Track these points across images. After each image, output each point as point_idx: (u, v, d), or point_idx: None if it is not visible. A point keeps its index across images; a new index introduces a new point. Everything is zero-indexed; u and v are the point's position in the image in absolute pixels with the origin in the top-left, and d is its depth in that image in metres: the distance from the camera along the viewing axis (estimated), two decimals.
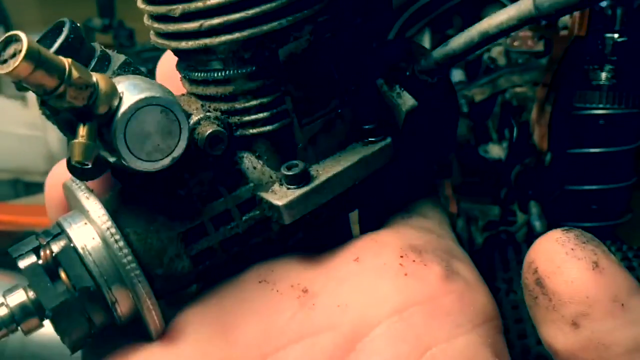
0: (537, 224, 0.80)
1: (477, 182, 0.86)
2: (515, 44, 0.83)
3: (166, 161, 0.31)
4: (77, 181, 0.34)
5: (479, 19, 0.34)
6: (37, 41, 0.32)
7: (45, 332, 0.35)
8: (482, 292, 0.35)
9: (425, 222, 0.39)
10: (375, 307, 0.33)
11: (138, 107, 0.29)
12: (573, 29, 0.73)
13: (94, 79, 0.28)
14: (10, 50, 0.26)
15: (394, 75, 0.38)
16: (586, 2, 0.30)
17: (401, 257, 0.34)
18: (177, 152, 0.31)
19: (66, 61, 0.27)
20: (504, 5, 0.33)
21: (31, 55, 0.25)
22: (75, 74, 0.27)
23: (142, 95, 0.29)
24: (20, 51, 0.25)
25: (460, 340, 0.32)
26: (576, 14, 0.77)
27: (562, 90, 0.76)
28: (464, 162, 0.85)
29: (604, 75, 0.75)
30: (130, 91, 0.30)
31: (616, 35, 0.74)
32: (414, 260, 0.34)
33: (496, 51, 0.85)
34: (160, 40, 0.34)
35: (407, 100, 0.37)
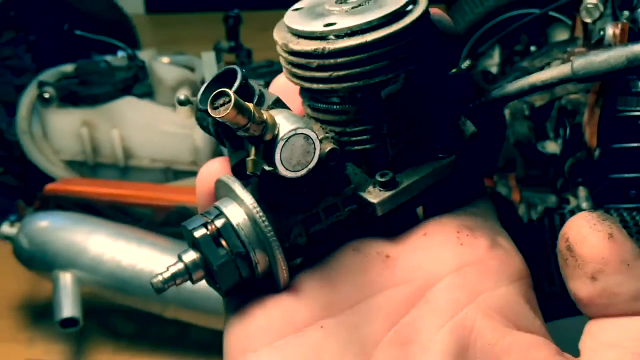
0: (585, 206, 0.93)
1: (538, 174, 1.00)
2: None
3: (304, 171, 0.44)
4: (232, 177, 0.48)
5: (545, 35, 0.47)
6: (209, 84, 0.46)
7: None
8: (518, 258, 0.49)
9: (476, 210, 0.53)
10: (440, 267, 0.47)
11: (290, 136, 0.43)
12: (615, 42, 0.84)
13: (265, 116, 0.42)
14: (220, 101, 0.39)
15: (460, 105, 0.51)
16: (613, 72, 0.42)
17: (458, 232, 0.48)
18: (311, 165, 0.44)
19: (251, 105, 0.40)
20: (567, 25, 0.45)
21: (236, 106, 0.39)
22: (256, 115, 0.40)
23: (293, 127, 0.43)
24: (229, 102, 0.39)
25: (502, 290, 0.46)
26: (617, 29, 0.88)
27: (608, 96, 0.88)
28: (526, 157, 0.99)
29: None
30: (284, 123, 0.43)
31: None
32: (467, 235, 0.48)
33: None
34: (295, 80, 0.48)
35: (469, 127, 0.50)
